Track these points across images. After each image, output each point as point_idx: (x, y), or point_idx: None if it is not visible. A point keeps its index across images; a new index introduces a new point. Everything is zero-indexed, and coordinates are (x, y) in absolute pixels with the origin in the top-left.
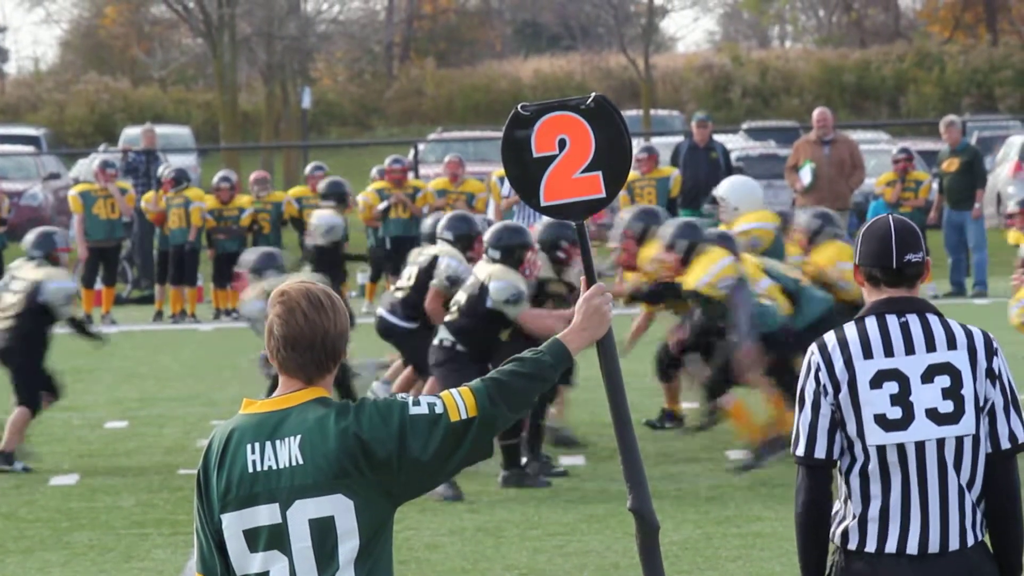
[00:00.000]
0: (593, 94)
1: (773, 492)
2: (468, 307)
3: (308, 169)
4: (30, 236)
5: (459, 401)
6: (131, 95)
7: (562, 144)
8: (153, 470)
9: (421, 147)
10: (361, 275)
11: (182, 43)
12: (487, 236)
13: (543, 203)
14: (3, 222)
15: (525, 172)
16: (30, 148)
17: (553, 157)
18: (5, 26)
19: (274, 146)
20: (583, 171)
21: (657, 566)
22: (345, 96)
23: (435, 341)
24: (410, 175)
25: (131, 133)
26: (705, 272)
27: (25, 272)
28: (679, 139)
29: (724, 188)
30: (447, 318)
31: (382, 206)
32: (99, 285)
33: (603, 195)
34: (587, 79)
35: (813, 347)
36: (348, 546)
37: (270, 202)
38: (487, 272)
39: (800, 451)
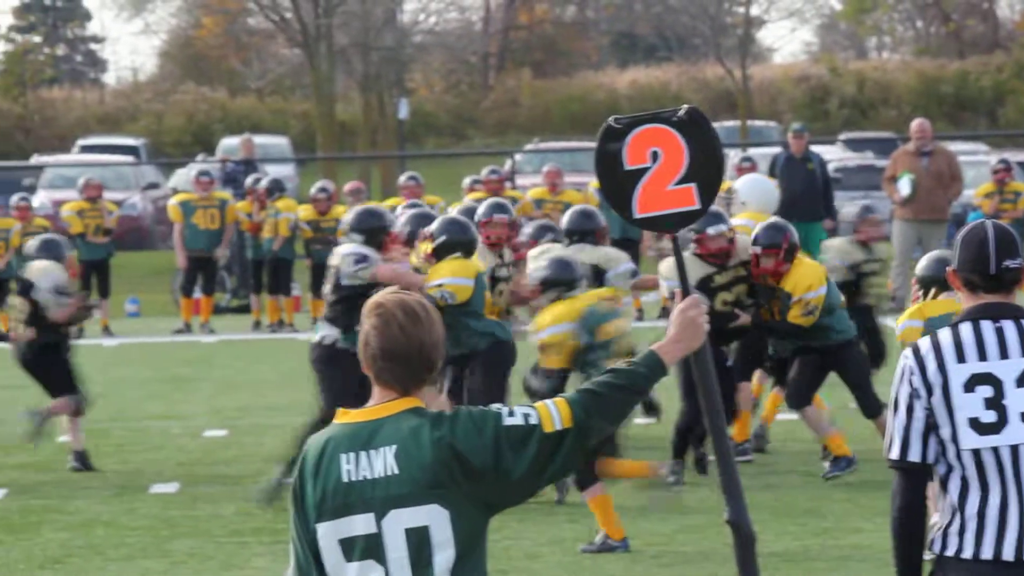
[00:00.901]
0: (685, 106)
1: (872, 504)
2: (332, 292)
3: (402, 179)
4: (349, 216)
5: (554, 412)
6: (229, 105)
7: (655, 156)
8: (253, 479)
9: (518, 157)
10: None
11: (279, 53)
12: (348, 220)
13: (636, 215)
14: (108, 232)
15: (618, 184)
16: (129, 158)
17: (646, 169)
18: (104, 37)
19: (371, 156)
20: (676, 183)
21: None
22: (441, 106)
23: (316, 338)
24: (507, 185)
25: (229, 143)
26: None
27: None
28: (776, 150)
29: (740, 183)
30: (324, 313)
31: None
32: (198, 294)
33: (697, 206)
34: (683, 90)
35: (907, 351)
36: (444, 556)
37: None
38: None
39: (895, 455)
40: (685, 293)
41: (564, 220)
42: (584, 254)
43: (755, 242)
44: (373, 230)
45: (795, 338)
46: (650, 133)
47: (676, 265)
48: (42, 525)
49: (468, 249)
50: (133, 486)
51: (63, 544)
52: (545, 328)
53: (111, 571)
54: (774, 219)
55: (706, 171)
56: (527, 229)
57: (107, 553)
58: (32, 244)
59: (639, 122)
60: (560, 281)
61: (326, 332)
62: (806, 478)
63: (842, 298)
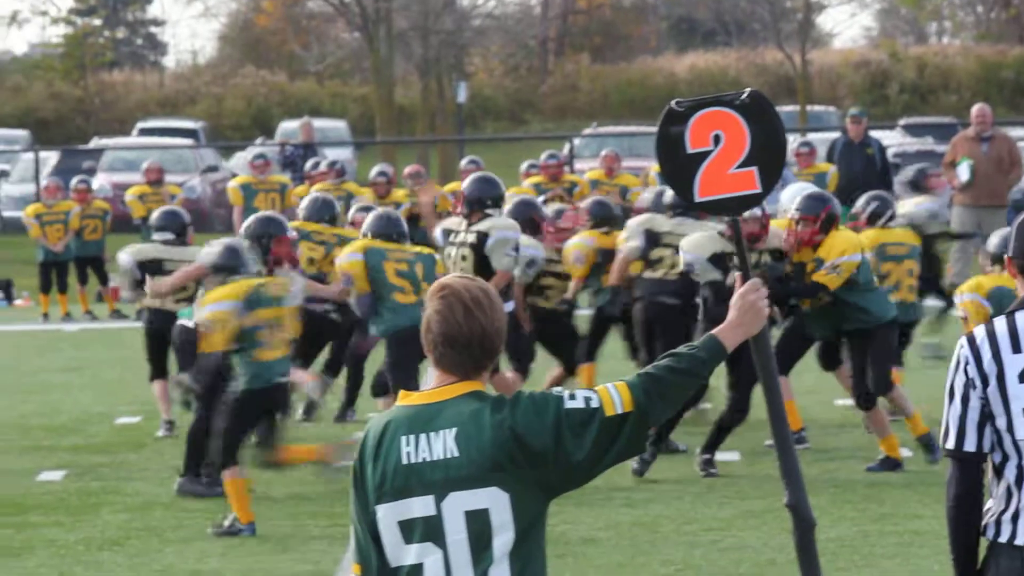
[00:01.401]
0: (748, 89)
1: (930, 490)
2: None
3: (463, 163)
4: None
5: (615, 395)
6: (288, 89)
7: (717, 140)
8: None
9: (576, 142)
10: None
11: (339, 37)
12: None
13: (697, 199)
14: None
15: (679, 168)
16: (188, 141)
17: (708, 153)
18: (164, 20)
19: (429, 140)
20: (738, 166)
21: (813, 563)
22: (500, 91)
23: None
24: (565, 170)
25: (288, 127)
26: None
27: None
28: (835, 135)
29: (784, 195)
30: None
31: (539, 200)
32: None
33: (759, 190)
34: (742, 75)
35: (962, 340)
36: (503, 539)
37: None
38: None
39: (950, 444)
40: (745, 277)
41: (668, 194)
42: (686, 227)
43: (796, 207)
44: (258, 235)
45: (814, 296)
46: (712, 116)
47: (736, 249)
48: (101, 507)
49: (388, 238)
50: None
51: (121, 526)
52: (207, 306)
53: (169, 553)
54: (816, 189)
55: (768, 155)
56: (646, 194)
57: (165, 535)
58: (157, 216)
59: (701, 105)
60: (225, 267)
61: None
62: (865, 463)
63: (875, 278)
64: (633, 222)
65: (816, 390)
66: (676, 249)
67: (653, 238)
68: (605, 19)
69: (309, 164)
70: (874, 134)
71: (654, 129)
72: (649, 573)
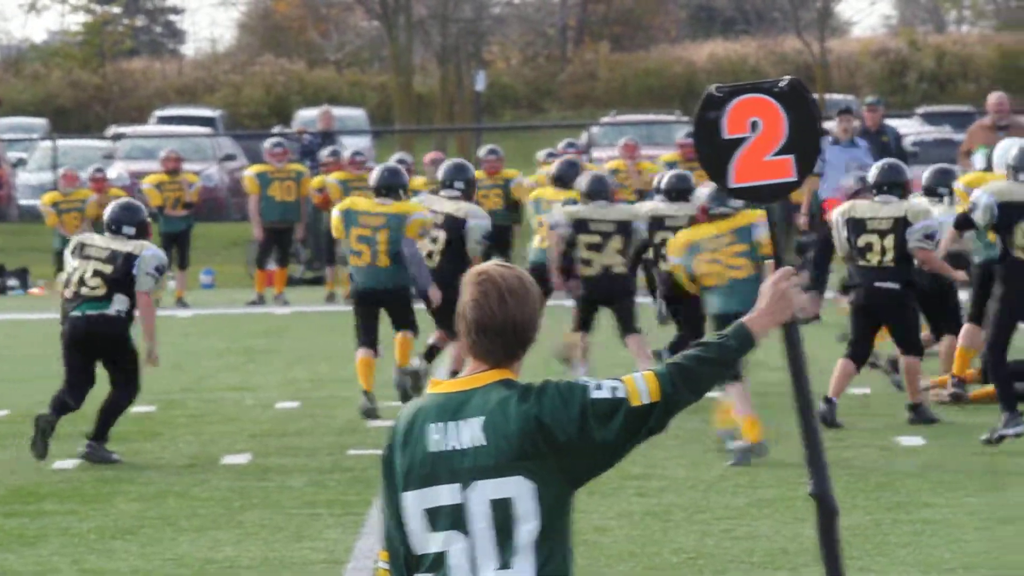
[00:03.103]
0: (787, 77)
1: (943, 479)
2: (124, 274)
3: (482, 153)
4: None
5: (641, 386)
6: (306, 77)
7: (754, 126)
8: (325, 451)
9: (594, 130)
10: None
11: (357, 25)
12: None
13: (732, 184)
14: (189, 205)
15: (715, 153)
16: (206, 129)
17: (744, 139)
18: (183, 8)
19: (448, 129)
20: (775, 154)
21: (836, 552)
22: (519, 79)
23: (111, 312)
24: (583, 158)
25: (306, 115)
26: None
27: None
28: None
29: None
30: (111, 288)
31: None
32: (272, 266)
33: (794, 178)
34: (762, 63)
35: None
36: (527, 528)
37: None
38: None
39: None
40: (778, 264)
41: (873, 172)
42: (891, 207)
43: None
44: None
45: None
46: (750, 103)
47: (770, 236)
48: (115, 496)
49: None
50: (205, 457)
51: (135, 515)
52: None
53: (182, 542)
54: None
55: (804, 143)
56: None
57: (179, 524)
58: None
59: (740, 91)
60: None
61: (121, 307)
62: (881, 452)
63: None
64: (834, 213)
65: (830, 372)
66: (882, 234)
67: (857, 225)
68: (624, 7)
69: (325, 152)
70: (892, 122)
71: (672, 118)
72: (661, 562)
